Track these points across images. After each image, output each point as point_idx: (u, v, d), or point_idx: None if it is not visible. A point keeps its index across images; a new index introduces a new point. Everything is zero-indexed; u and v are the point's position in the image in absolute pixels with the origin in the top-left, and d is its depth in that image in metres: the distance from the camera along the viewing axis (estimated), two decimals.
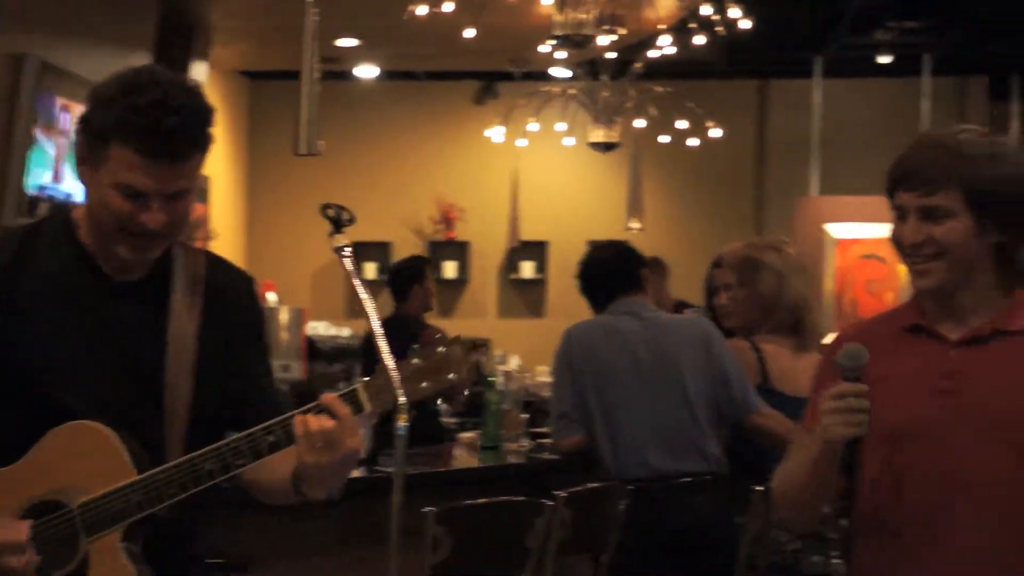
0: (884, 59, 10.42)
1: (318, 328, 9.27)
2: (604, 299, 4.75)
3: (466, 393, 5.65)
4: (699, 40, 6.40)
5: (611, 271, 4.78)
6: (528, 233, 11.10)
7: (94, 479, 2.28)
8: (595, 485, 4.28)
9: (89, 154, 2.31)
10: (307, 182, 10.96)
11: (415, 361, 2.31)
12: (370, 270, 11.71)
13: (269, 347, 2.63)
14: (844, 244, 10.33)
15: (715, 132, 8.64)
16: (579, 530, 4.09)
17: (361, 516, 4.14)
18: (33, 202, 6.80)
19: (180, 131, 2.26)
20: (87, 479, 2.28)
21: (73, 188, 7.17)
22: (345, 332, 9.21)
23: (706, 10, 6.71)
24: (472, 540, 3.72)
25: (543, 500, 3.93)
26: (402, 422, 2.39)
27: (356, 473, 3.94)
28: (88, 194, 2.36)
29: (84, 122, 2.32)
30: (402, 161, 11.84)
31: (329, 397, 2.27)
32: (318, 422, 2.23)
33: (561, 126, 9.07)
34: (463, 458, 5.25)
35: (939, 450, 2.36)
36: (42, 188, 6.93)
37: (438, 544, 3.66)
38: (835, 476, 2.35)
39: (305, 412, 2.26)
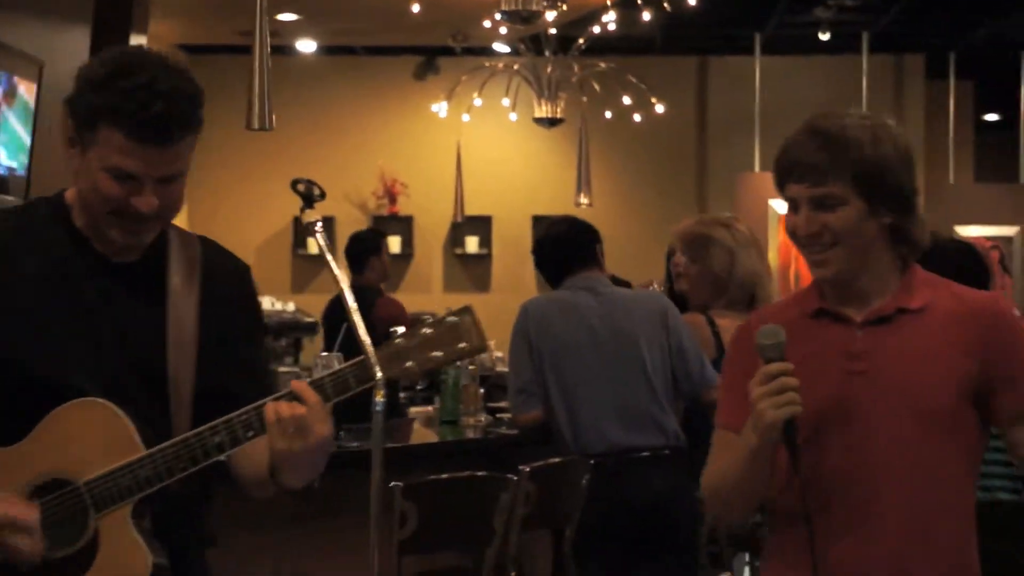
0: (824, 36, 10.48)
1: (263, 303, 9.18)
2: (560, 274, 4.73)
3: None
4: (646, 16, 6.37)
5: (566, 246, 4.76)
6: (472, 208, 11.08)
7: (101, 455, 2.25)
8: (557, 460, 4.28)
9: (78, 136, 2.28)
10: (248, 157, 10.90)
11: (425, 331, 2.29)
12: (313, 245, 11.62)
13: (264, 333, 2.61)
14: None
15: (659, 108, 8.65)
16: (543, 505, 4.11)
17: (322, 491, 4.14)
18: None
19: (170, 114, 2.22)
20: (94, 455, 2.25)
21: (14, 162, 7.08)
22: (290, 307, 9.15)
23: None
24: (438, 515, 3.73)
25: (508, 475, 3.94)
26: (379, 398, 2.38)
27: None
28: (78, 177, 2.32)
29: (71, 104, 2.28)
30: (344, 136, 11.79)
31: (299, 384, 2.26)
32: (289, 408, 2.22)
33: (505, 101, 9.06)
34: (421, 433, 5.24)
35: (855, 430, 2.39)
36: None
37: (405, 519, 3.66)
38: (769, 470, 2.35)
39: (277, 399, 2.25)
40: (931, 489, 2.38)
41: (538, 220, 11.81)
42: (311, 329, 8.69)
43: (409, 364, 2.29)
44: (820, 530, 2.37)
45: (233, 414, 2.26)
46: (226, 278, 2.47)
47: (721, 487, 2.48)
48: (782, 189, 2.44)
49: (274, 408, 2.23)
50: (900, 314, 2.42)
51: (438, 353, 2.29)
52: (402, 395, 6.60)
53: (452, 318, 2.30)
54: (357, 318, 2.37)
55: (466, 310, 2.31)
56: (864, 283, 2.43)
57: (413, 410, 5.65)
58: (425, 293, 11.59)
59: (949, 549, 2.41)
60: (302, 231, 11.66)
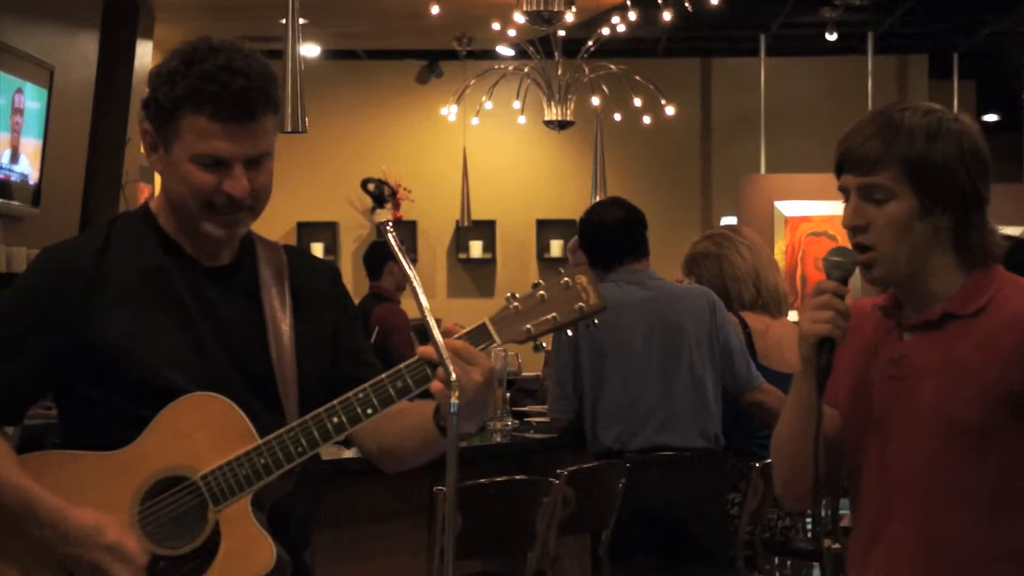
0: (831, 37, 10.48)
1: None
2: (610, 262, 4.56)
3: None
4: (666, 16, 6.35)
5: (622, 235, 4.58)
6: (476, 212, 11.04)
7: (217, 448, 2.24)
8: (595, 463, 4.25)
9: (160, 136, 2.28)
10: None
11: (540, 293, 2.25)
12: (317, 250, 11.62)
13: (360, 326, 2.60)
14: (793, 222, 10.41)
15: (670, 110, 8.63)
16: (581, 508, 4.07)
17: (356, 496, 4.11)
18: None
19: (249, 89, 2.24)
20: (209, 449, 2.24)
21: (23, 168, 7.04)
22: None
23: None
24: (482, 519, 3.69)
25: (549, 479, 3.91)
26: (455, 399, 2.35)
27: (348, 453, 3.90)
28: (166, 179, 2.33)
29: (149, 105, 2.29)
30: (347, 141, 11.74)
31: (454, 332, 2.27)
32: (451, 341, 2.21)
33: (516, 104, 9.03)
34: None
35: (881, 440, 2.31)
36: None
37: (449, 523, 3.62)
38: (815, 412, 2.25)
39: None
40: (950, 510, 2.25)
41: (543, 224, 11.80)
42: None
43: (528, 327, 2.24)
44: (856, 533, 2.34)
45: (348, 393, 2.25)
46: (315, 277, 2.47)
47: (778, 437, 2.40)
48: (839, 178, 2.34)
49: (426, 348, 2.22)
50: (948, 320, 2.29)
51: (554, 315, 2.24)
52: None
53: (565, 279, 2.26)
54: (430, 319, 2.33)
55: (581, 270, 2.27)
56: (924, 286, 2.30)
57: None
58: (429, 298, 11.29)
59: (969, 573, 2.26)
60: (306, 237, 11.63)
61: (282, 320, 2.35)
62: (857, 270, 2.32)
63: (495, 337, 2.24)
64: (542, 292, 2.25)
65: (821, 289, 2.26)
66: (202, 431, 2.24)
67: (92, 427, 2.30)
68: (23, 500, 2.23)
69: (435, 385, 2.20)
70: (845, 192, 2.33)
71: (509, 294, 2.27)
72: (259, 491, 2.24)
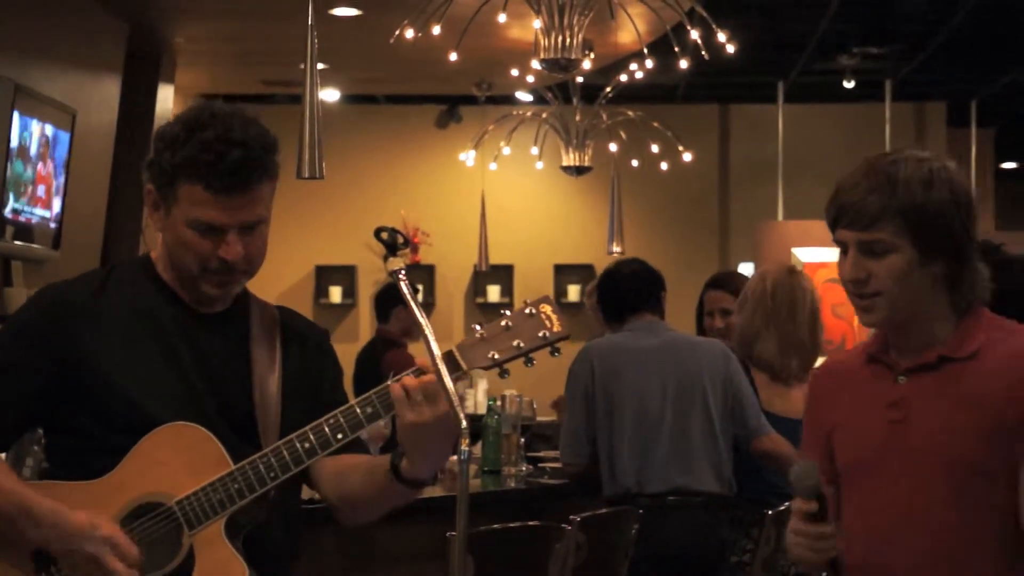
0: (848, 84, 10.51)
1: None
2: (623, 313, 4.70)
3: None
4: (683, 64, 6.38)
5: (639, 284, 4.73)
6: (494, 257, 11.06)
7: (192, 475, 2.30)
8: (607, 510, 4.26)
9: (160, 197, 2.38)
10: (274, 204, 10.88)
11: (504, 322, 2.33)
12: (335, 293, 11.66)
13: (341, 384, 2.66)
14: (811, 268, 10.38)
15: (687, 156, 8.66)
16: (594, 554, 4.07)
17: (372, 540, 4.12)
18: (2, 225, 6.70)
19: (245, 162, 2.32)
20: (185, 476, 2.30)
21: (44, 211, 7.10)
22: None
23: (680, 34, 6.73)
24: (494, 565, 3.69)
25: (561, 524, 3.91)
26: (464, 446, 2.37)
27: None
28: (165, 238, 2.42)
29: (151, 167, 2.39)
30: (366, 185, 11.80)
31: (423, 360, 2.33)
32: (415, 379, 2.28)
33: (534, 150, 9.08)
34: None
35: (887, 482, 2.33)
36: (17, 212, 6.84)
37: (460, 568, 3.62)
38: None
39: (399, 379, 2.30)
40: (951, 551, 2.27)
41: (560, 269, 11.82)
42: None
43: (492, 354, 2.32)
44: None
45: (320, 419, 2.31)
46: (304, 335, 2.56)
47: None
48: (833, 232, 2.38)
49: (399, 384, 2.28)
50: (944, 362, 2.33)
51: (518, 342, 2.31)
52: None
53: (530, 308, 2.33)
54: (442, 366, 2.35)
55: (544, 299, 2.34)
56: (918, 330, 2.35)
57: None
58: (446, 342, 11.43)
59: None
60: (323, 281, 11.67)
61: (268, 368, 2.43)
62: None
63: (461, 363, 2.32)
64: (506, 321, 2.34)
65: (801, 533, 2.29)
66: (178, 459, 2.30)
67: (78, 457, 2.37)
68: (20, 505, 2.30)
69: (395, 391, 2.27)
70: (842, 245, 2.36)
71: (475, 324, 2.33)
72: (233, 516, 2.30)
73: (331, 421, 2.30)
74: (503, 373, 2.38)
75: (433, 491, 4.52)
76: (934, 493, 2.28)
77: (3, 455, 2.45)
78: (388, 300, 7.57)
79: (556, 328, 2.32)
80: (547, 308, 2.32)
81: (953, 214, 2.32)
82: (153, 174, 2.38)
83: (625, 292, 4.71)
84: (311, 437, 2.30)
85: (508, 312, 2.35)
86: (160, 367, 2.37)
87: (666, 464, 4.42)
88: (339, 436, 2.30)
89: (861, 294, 2.33)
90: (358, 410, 2.32)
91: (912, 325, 2.35)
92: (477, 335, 2.32)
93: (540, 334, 2.31)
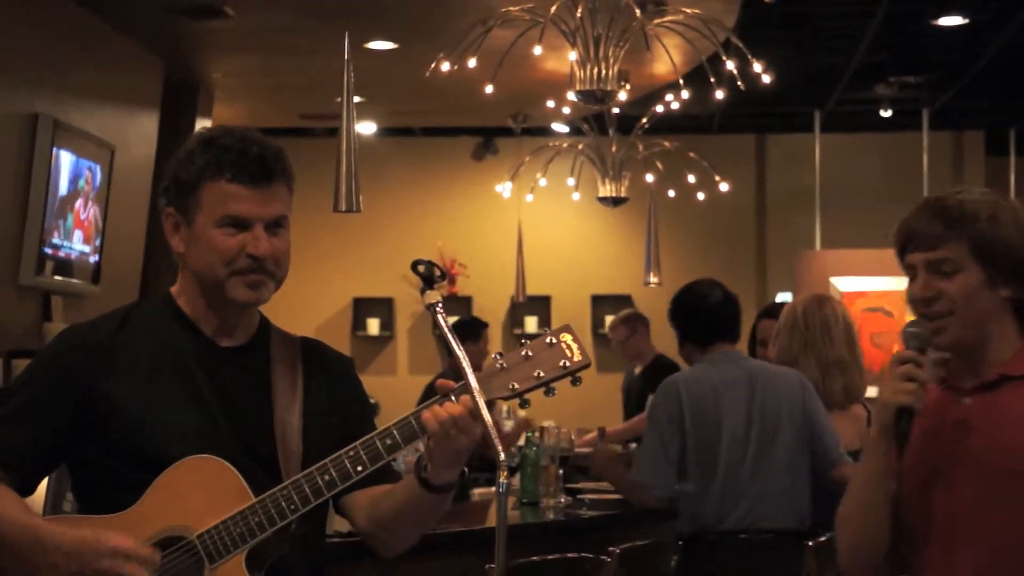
0: (885, 113, 10.48)
1: None
2: (707, 343, 4.63)
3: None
4: (719, 95, 6.38)
5: (723, 314, 4.66)
6: (531, 288, 11.05)
7: (213, 508, 2.29)
8: (646, 542, 4.23)
9: (182, 213, 2.41)
10: (310, 238, 10.93)
11: (524, 352, 2.31)
12: (373, 326, 11.68)
13: (372, 414, 2.65)
14: (849, 297, 10.34)
15: (723, 186, 8.64)
16: None
17: (412, 573, 4.10)
18: (42, 260, 6.75)
19: (265, 155, 2.38)
20: (206, 509, 2.30)
21: (84, 246, 7.15)
22: None
23: (715, 64, 6.73)
24: None
25: (601, 556, 3.89)
26: (503, 479, 2.36)
27: None
28: (191, 256, 2.44)
29: (169, 189, 2.43)
30: (402, 217, 11.84)
31: (444, 382, 2.35)
32: (446, 410, 2.28)
33: (571, 181, 9.09)
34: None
35: (947, 498, 2.39)
36: (56, 247, 6.89)
37: None
38: (887, 480, 2.37)
39: (427, 407, 2.30)
40: (1013, 561, 2.34)
41: (597, 300, 11.80)
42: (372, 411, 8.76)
43: (512, 384, 2.31)
44: None
45: (340, 452, 2.31)
46: (328, 366, 2.55)
47: (844, 508, 2.47)
48: (902, 260, 2.46)
49: (432, 413, 2.28)
50: (1004, 381, 2.41)
51: (539, 372, 2.30)
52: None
53: (550, 337, 2.32)
54: (480, 399, 2.34)
55: (565, 328, 2.33)
56: (985, 353, 2.43)
57: (477, 491, 5.53)
58: None
59: None
60: (361, 313, 11.69)
61: (290, 400, 2.42)
62: None
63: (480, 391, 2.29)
64: (527, 351, 2.32)
65: (901, 359, 2.38)
66: (199, 492, 2.30)
67: (101, 493, 2.37)
68: (31, 535, 2.30)
69: (430, 421, 2.27)
70: (912, 270, 2.44)
71: (496, 353, 2.32)
72: (254, 549, 2.29)
73: (351, 453, 2.30)
74: (524, 403, 2.37)
75: (471, 523, 4.51)
76: (984, 503, 2.36)
77: (12, 490, 2.41)
78: (460, 336, 7.58)
79: (577, 357, 2.30)
80: (567, 337, 2.31)
81: (1018, 243, 2.41)
82: (171, 194, 2.43)
83: (717, 320, 4.64)
84: (331, 470, 2.30)
85: (528, 341, 2.33)
86: (180, 402, 2.37)
87: (742, 501, 4.39)
88: (359, 468, 2.30)
89: (931, 314, 2.40)
90: (378, 442, 2.32)
91: (983, 347, 2.43)
92: (497, 365, 2.32)
93: (561, 363, 2.30)
